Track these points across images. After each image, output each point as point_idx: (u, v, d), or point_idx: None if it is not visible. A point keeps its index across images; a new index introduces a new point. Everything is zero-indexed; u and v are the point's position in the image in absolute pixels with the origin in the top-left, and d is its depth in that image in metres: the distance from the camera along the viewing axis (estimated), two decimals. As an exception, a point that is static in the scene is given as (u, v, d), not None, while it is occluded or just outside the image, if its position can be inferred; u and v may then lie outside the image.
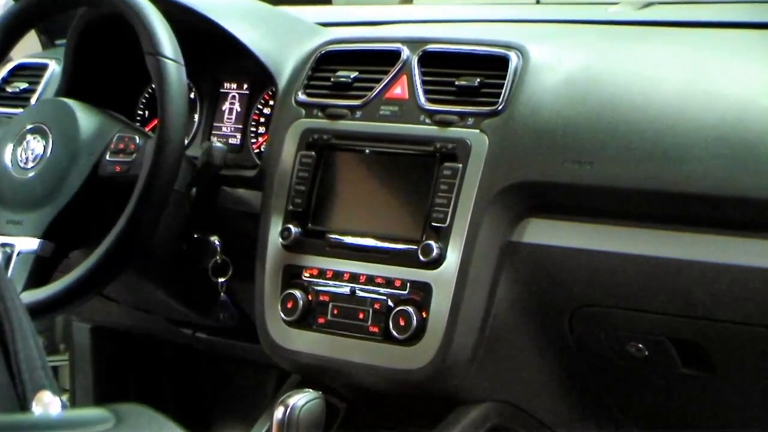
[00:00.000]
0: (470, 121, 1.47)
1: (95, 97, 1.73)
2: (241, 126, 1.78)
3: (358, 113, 1.57)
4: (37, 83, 1.92)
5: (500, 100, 1.46)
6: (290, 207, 1.57)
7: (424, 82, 1.54)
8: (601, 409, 1.59)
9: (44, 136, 1.64)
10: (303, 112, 1.61)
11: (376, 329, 1.48)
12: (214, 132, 1.80)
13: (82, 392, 2.18)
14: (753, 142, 1.29)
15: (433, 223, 1.45)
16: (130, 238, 1.51)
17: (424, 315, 1.44)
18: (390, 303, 1.47)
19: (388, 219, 1.51)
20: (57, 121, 1.64)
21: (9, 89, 1.93)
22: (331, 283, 1.52)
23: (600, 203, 1.39)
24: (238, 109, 1.79)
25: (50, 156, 1.62)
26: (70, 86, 1.79)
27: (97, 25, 1.75)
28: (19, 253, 1.55)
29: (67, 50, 1.80)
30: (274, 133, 1.64)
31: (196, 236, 1.68)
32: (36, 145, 1.64)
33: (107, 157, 1.61)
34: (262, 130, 1.75)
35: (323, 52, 1.65)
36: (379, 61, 1.59)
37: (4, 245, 1.57)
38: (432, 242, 1.44)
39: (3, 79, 1.96)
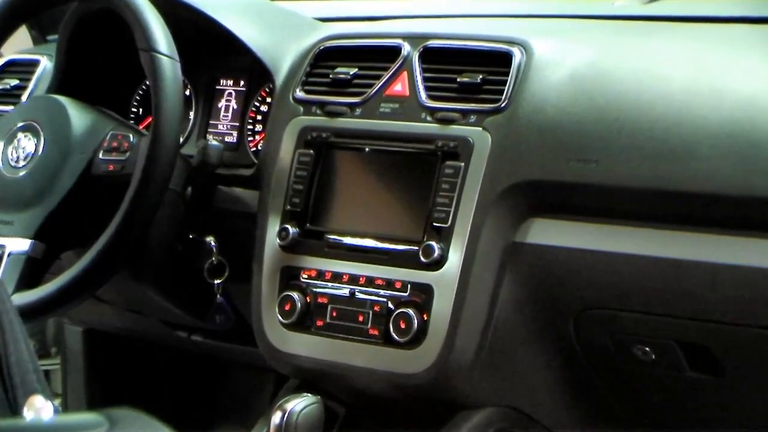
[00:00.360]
0: (472, 118, 1.47)
1: (88, 94, 1.73)
2: (237, 124, 1.78)
3: (358, 111, 1.57)
4: (28, 80, 1.92)
5: (503, 97, 1.46)
6: (288, 207, 1.57)
7: (425, 79, 1.54)
8: (607, 413, 1.59)
9: (35, 134, 1.64)
10: (301, 109, 1.61)
11: (376, 332, 1.48)
12: (210, 130, 1.80)
13: (74, 397, 2.18)
14: (762, 140, 1.29)
15: (435, 224, 1.45)
16: (123, 239, 1.51)
17: (426, 317, 1.44)
18: (390, 305, 1.47)
19: (389, 219, 1.51)
20: (49, 119, 1.64)
21: (-1, 86, 1.94)
22: (329, 284, 1.53)
23: (605, 203, 1.39)
24: (235, 107, 1.79)
25: (42, 154, 1.62)
26: (62, 83, 1.79)
27: (89, 20, 1.75)
28: (9, 254, 1.55)
29: (59, 46, 1.80)
30: (271, 131, 1.64)
31: (191, 237, 1.68)
32: (27, 144, 1.64)
33: (100, 156, 1.61)
34: (259, 128, 1.75)
35: (322, 47, 1.65)
36: (379, 57, 1.59)
37: (-6, 246, 1.57)
38: (433, 243, 1.44)
39: (-7, 75, 1.96)
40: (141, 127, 1.81)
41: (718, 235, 1.33)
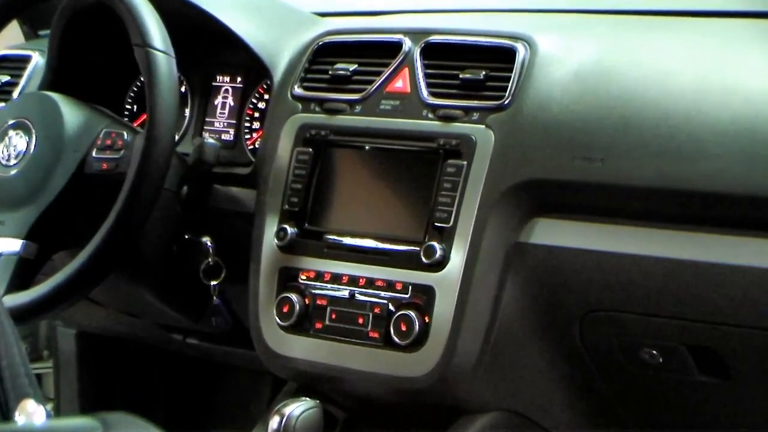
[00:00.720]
0: (475, 116, 1.47)
1: (81, 90, 1.73)
2: (234, 121, 1.78)
3: (358, 108, 1.57)
4: (20, 76, 1.92)
5: (507, 94, 1.46)
6: (286, 206, 1.57)
7: (426, 75, 1.54)
8: (613, 418, 1.60)
9: (27, 131, 1.64)
10: (299, 106, 1.61)
11: (376, 335, 1.48)
12: (206, 127, 1.80)
13: (67, 401, 2.18)
14: (772, 138, 1.29)
15: (437, 223, 1.46)
16: (117, 239, 1.51)
17: (427, 320, 1.44)
18: (391, 307, 1.47)
19: (389, 219, 1.51)
20: (41, 116, 1.64)
21: (-10, 82, 1.94)
22: (329, 286, 1.53)
23: (611, 202, 1.39)
24: (232, 104, 1.79)
25: (33, 153, 1.62)
26: (55, 79, 1.79)
27: (82, 14, 1.75)
28: (0, 255, 1.55)
29: (51, 41, 1.80)
30: (269, 128, 1.64)
31: (187, 237, 1.68)
32: (18, 142, 1.64)
33: (94, 154, 1.61)
34: (256, 125, 1.75)
35: (321, 43, 1.65)
36: (379, 53, 1.59)
37: (-15, 246, 1.57)
38: (435, 243, 1.44)
39: (-17, 71, 1.96)
40: (135, 125, 1.81)
41: (726, 235, 1.33)
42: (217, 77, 1.81)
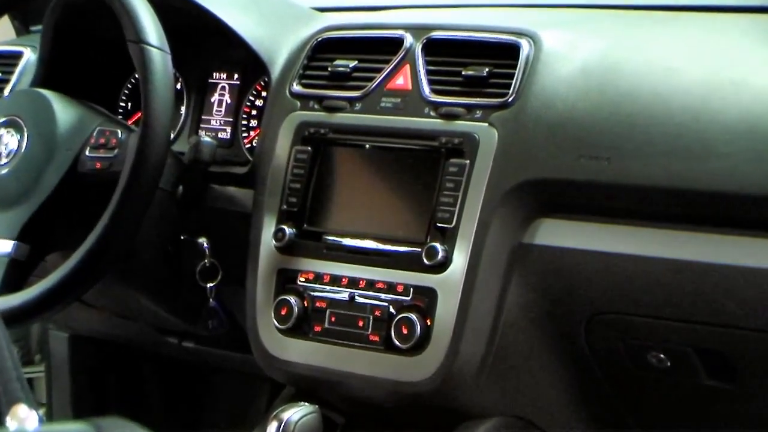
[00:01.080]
0: (478, 113, 1.47)
1: (74, 88, 1.73)
2: (231, 119, 1.78)
3: (358, 105, 1.57)
4: (11, 73, 1.92)
5: (510, 91, 1.46)
6: (284, 206, 1.57)
7: (428, 72, 1.54)
8: (619, 423, 1.60)
9: (18, 130, 1.64)
10: (298, 104, 1.61)
11: (376, 338, 1.48)
12: (202, 125, 1.80)
13: (59, 406, 2.18)
14: (783, 137, 1.29)
15: (439, 224, 1.46)
16: (111, 240, 1.51)
17: (429, 323, 1.44)
18: (392, 310, 1.47)
19: (390, 219, 1.51)
20: (32, 114, 1.64)
21: (-20, 80, 1.94)
22: (328, 288, 1.53)
23: (618, 202, 1.39)
24: (228, 101, 1.79)
25: (25, 151, 1.62)
26: (47, 76, 1.79)
27: (75, 10, 1.75)
28: (-9, 256, 1.56)
29: (43, 37, 1.80)
30: (267, 126, 1.64)
31: (182, 238, 1.68)
32: (10, 140, 1.64)
33: (87, 153, 1.61)
34: (254, 123, 1.76)
35: (320, 39, 1.65)
36: (380, 49, 1.59)
37: (-25, 248, 1.57)
38: (437, 244, 1.44)
39: (-26, 68, 1.96)
40: (130, 123, 1.81)
41: (735, 236, 1.33)
42: (214, 74, 1.81)
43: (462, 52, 1.54)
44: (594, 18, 1.65)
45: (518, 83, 1.46)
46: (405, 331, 1.45)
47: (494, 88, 1.48)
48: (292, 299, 1.53)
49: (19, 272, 1.57)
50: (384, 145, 1.54)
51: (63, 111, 1.64)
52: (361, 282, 1.50)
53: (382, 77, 1.56)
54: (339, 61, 1.61)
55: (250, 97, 1.76)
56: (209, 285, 1.68)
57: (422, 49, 1.56)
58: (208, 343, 1.88)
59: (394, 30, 1.60)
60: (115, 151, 1.59)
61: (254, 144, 1.72)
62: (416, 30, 1.58)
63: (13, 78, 1.91)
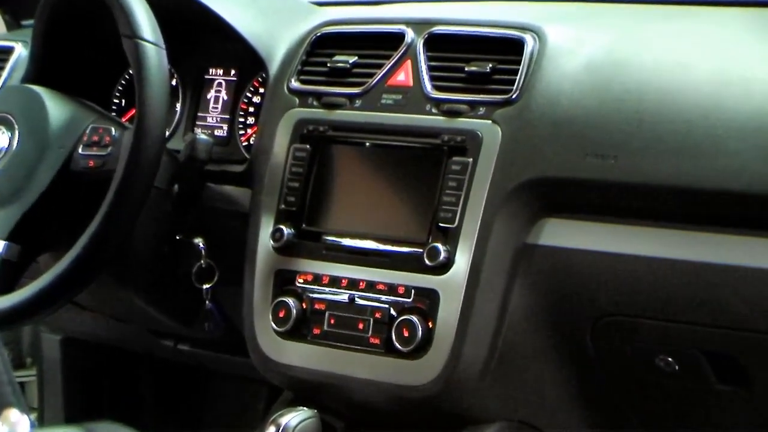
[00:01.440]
0: (481, 110, 1.47)
1: (66, 84, 1.73)
2: (228, 116, 1.78)
3: (358, 102, 1.57)
4: (2, 68, 1.92)
5: (514, 87, 1.46)
6: (282, 206, 1.57)
7: (430, 68, 1.54)
8: (626, 428, 1.59)
9: (9, 127, 1.64)
10: (296, 100, 1.61)
11: (377, 341, 1.48)
12: (198, 123, 1.80)
13: (51, 410, 2.18)
14: (795, 134, 1.29)
15: (441, 224, 1.45)
16: (105, 240, 1.51)
17: (431, 325, 1.44)
18: (393, 312, 1.47)
19: (391, 219, 1.51)
20: (24, 111, 1.64)
21: (-30, 75, 1.94)
22: (327, 289, 1.53)
23: (625, 201, 1.39)
24: (225, 98, 1.79)
25: (16, 149, 1.62)
26: (38, 72, 1.79)
27: (68, 3, 1.74)
28: (-19, 257, 1.56)
29: (35, 32, 1.79)
30: (264, 124, 1.64)
31: (178, 238, 1.68)
32: (0, 138, 1.64)
33: (80, 151, 1.61)
34: (251, 120, 1.75)
35: (319, 34, 1.65)
36: (380, 44, 1.59)
37: (-34, 248, 1.57)
38: (439, 245, 1.44)
39: (-36, 64, 1.96)
40: (124, 120, 1.81)
41: (746, 236, 1.33)
42: (210, 70, 1.80)
43: (465, 48, 1.54)
44: (600, 12, 1.65)
45: (522, 79, 1.46)
46: (406, 334, 1.45)
47: (498, 84, 1.48)
48: (291, 301, 1.53)
49: (10, 273, 1.57)
50: (385, 143, 1.53)
51: (55, 108, 1.64)
52: (361, 283, 1.50)
53: (382, 73, 1.56)
54: (338, 57, 1.61)
55: (248, 94, 1.76)
56: (205, 286, 1.69)
57: (424, 44, 1.56)
58: (204, 346, 1.88)
59: (395, 25, 1.60)
60: (109, 149, 1.59)
61: (251, 142, 1.72)
62: (418, 25, 1.58)
63: (4, 74, 1.91)
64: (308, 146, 1.57)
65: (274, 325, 1.54)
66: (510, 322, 1.45)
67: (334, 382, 1.52)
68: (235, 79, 1.78)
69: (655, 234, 1.39)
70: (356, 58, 1.60)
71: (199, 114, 1.80)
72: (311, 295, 1.53)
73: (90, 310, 1.89)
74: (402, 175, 1.52)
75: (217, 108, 1.79)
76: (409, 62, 1.56)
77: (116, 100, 1.88)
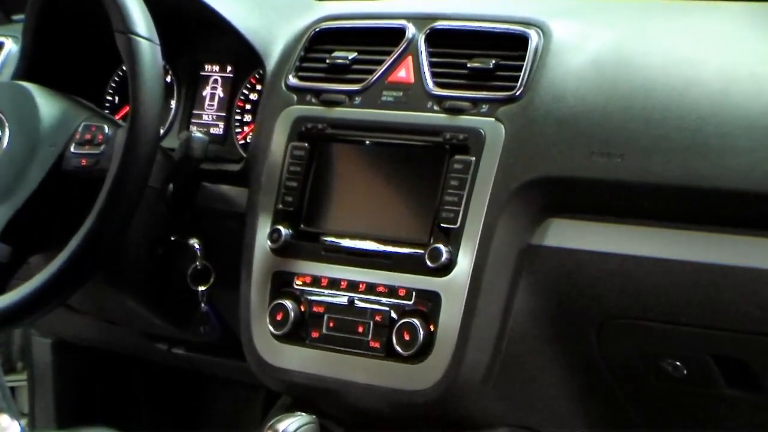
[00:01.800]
0: (484, 108, 1.47)
1: (58, 80, 1.73)
2: (224, 114, 1.78)
3: (357, 99, 1.57)
4: (-8, 65, 1.92)
5: (518, 84, 1.46)
6: (280, 206, 1.57)
7: (431, 64, 1.54)
8: (632, 434, 1.60)
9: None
10: (294, 98, 1.61)
11: (377, 344, 1.48)
12: (193, 120, 1.80)
13: (43, 415, 2.18)
14: (806, 132, 1.29)
15: (443, 224, 1.45)
16: (98, 241, 1.50)
17: (432, 328, 1.44)
18: (393, 315, 1.47)
19: (391, 219, 1.51)
20: (14, 108, 1.64)
21: (-42, 72, 1.94)
22: (326, 292, 1.52)
23: (631, 201, 1.39)
24: (221, 95, 1.79)
25: (6, 148, 1.62)
26: (29, 68, 1.79)
27: (60, -2, 1.75)
28: (-29, 258, 1.56)
29: (25, 27, 1.80)
30: (261, 121, 1.64)
31: (173, 239, 1.68)
32: (-10, 136, 1.64)
33: (72, 150, 1.61)
34: (248, 118, 1.75)
35: (318, 29, 1.65)
36: (380, 40, 1.59)
37: (-46, 249, 1.57)
38: (441, 245, 1.44)
39: (-48, 60, 1.96)
40: (117, 118, 1.81)
41: (756, 237, 1.33)
42: (206, 66, 1.80)
43: (467, 43, 1.54)
44: (606, 7, 1.65)
45: (526, 76, 1.46)
46: (407, 338, 1.45)
47: (501, 81, 1.48)
48: (289, 303, 1.53)
49: (0, 275, 1.57)
50: (385, 141, 1.53)
51: (46, 105, 1.64)
52: (360, 285, 1.50)
53: (383, 70, 1.56)
54: (338, 53, 1.61)
55: (244, 91, 1.76)
56: (201, 288, 1.69)
57: (425, 39, 1.56)
58: (199, 349, 1.88)
59: (396, 20, 1.60)
60: (102, 147, 1.59)
61: (248, 140, 1.72)
62: (419, 20, 1.58)
63: (-6, 70, 1.91)
64: (306, 144, 1.57)
65: (271, 328, 1.54)
66: (513, 325, 1.45)
67: (333, 386, 1.52)
68: (231, 75, 1.78)
69: (662, 234, 1.39)
70: (356, 54, 1.60)
71: (195, 111, 1.80)
72: (310, 297, 1.53)
73: (82, 313, 1.89)
74: (403, 174, 1.52)
75: (212, 105, 1.79)
76: (410, 58, 1.56)
77: (109, 98, 1.88)
